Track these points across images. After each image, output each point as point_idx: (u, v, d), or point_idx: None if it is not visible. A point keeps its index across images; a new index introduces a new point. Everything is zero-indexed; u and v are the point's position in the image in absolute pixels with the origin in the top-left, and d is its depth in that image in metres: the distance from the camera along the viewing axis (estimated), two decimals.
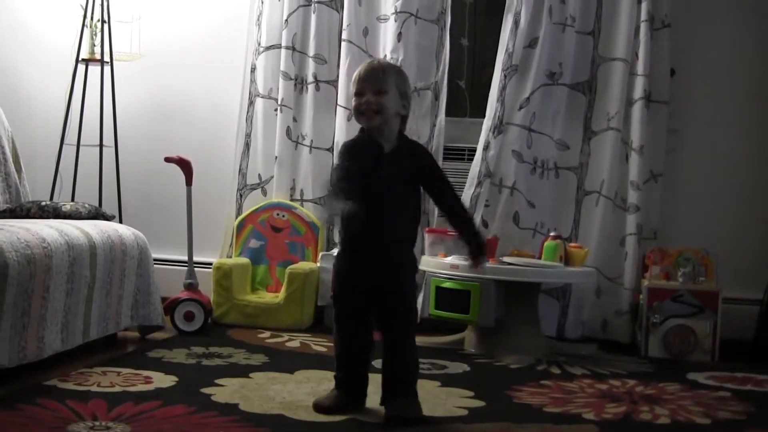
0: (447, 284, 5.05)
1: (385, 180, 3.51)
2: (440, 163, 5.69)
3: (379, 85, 3.50)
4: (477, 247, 3.56)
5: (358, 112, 3.53)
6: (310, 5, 5.95)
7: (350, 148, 3.62)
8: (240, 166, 6.03)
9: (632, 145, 5.60)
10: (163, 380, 3.92)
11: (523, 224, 5.65)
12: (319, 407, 3.54)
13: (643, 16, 5.56)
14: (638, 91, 5.57)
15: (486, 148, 5.64)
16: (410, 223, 3.63)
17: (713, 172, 5.76)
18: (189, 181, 5.40)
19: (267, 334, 5.31)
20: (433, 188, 3.64)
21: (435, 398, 3.82)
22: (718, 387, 4.34)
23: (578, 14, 5.67)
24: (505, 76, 5.64)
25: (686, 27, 5.71)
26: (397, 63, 5.66)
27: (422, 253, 5.43)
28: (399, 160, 3.54)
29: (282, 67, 5.94)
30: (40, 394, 3.55)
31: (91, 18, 5.95)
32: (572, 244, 5.38)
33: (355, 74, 3.58)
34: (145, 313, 4.94)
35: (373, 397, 3.59)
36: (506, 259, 5.11)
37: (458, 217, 3.64)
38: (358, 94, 3.53)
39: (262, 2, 6.02)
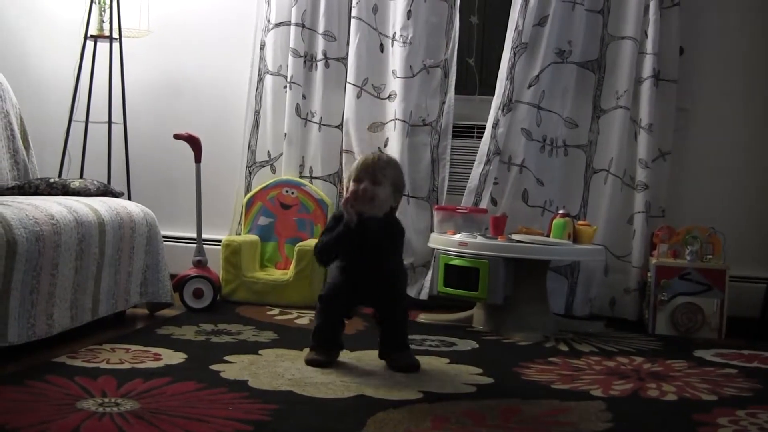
0: (456, 262, 5.06)
1: (372, 247, 3.95)
2: (449, 141, 5.79)
3: (374, 176, 3.93)
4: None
5: (354, 197, 3.91)
6: None
7: (338, 221, 3.99)
8: (249, 143, 6.02)
9: (641, 124, 5.59)
10: (172, 357, 3.94)
11: (532, 202, 5.65)
12: (313, 363, 3.92)
13: None
14: (647, 70, 5.56)
15: (495, 125, 5.63)
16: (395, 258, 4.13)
17: (721, 150, 5.75)
18: (198, 158, 5.40)
19: (276, 311, 5.32)
20: None
21: (443, 375, 3.84)
22: (724, 364, 4.35)
23: None
24: (515, 54, 5.63)
25: (695, 5, 5.68)
26: (407, 41, 5.67)
27: (431, 230, 5.47)
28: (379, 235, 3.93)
29: (291, 44, 5.91)
30: (49, 371, 3.57)
31: None
32: (581, 222, 5.38)
33: (355, 163, 4.07)
34: (154, 291, 4.95)
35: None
36: (515, 236, 5.12)
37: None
38: (357, 180, 3.95)
39: None
